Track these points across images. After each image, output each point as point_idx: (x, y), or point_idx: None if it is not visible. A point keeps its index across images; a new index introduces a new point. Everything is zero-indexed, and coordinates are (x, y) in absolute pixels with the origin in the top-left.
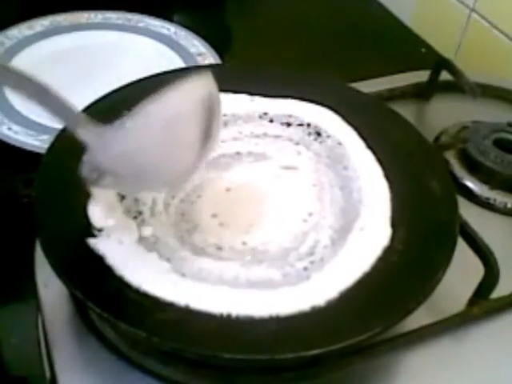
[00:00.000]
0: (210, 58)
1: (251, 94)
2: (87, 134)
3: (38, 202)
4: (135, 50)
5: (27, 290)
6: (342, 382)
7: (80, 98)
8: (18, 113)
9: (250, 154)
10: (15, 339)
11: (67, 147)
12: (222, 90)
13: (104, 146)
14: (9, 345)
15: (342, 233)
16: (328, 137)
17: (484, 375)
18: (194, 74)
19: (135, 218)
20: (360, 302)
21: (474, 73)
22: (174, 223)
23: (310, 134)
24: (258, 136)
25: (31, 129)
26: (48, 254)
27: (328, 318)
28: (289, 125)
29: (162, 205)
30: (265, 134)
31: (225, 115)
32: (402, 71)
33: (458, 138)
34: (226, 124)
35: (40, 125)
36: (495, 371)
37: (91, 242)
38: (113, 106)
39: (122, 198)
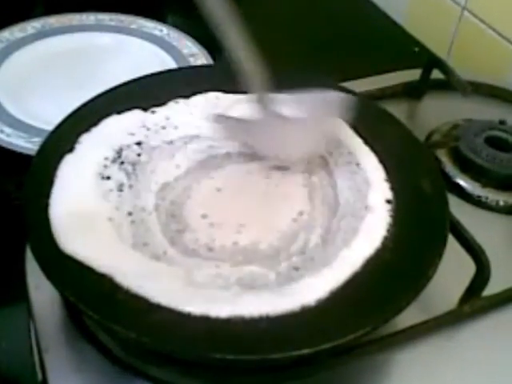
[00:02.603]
0: (202, 59)
1: (243, 93)
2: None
3: (28, 204)
4: (128, 51)
5: (18, 293)
6: (333, 381)
7: (72, 99)
8: (10, 115)
9: (240, 154)
10: (6, 342)
11: (57, 149)
12: (213, 90)
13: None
14: (0, 348)
15: (332, 232)
16: None
17: (476, 373)
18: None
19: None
20: (350, 301)
21: (465, 71)
22: (165, 224)
23: None
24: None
25: (23, 131)
26: (38, 257)
27: (318, 318)
28: None
29: (152, 206)
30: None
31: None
32: (395, 70)
33: (450, 136)
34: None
35: (32, 127)
36: (487, 369)
37: None
38: (105, 107)
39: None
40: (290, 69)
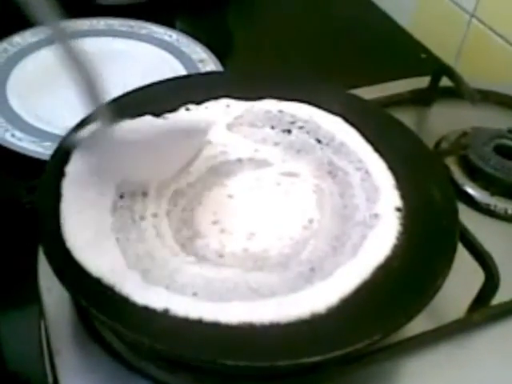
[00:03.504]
0: (211, 64)
1: (251, 99)
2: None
3: (40, 208)
4: (137, 56)
5: (30, 295)
6: None
7: (84, 105)
8: (22, 119)
9: (251, 160)
10: (18, 344)
11: (70, 153)
12: (224, 96)
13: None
14: (11, 349)
15: (342, 240)
16: (329, 143)
17: (485, 381)
18: None
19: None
20: (360, 309)
21: (474, 79)
22: (176, 230)
23: (311, 140)
24: (259, 142)
25: (34, 135)
26: (51, 261)
27: (328, 325)
28: (290, 131)
29: (164, 212)
30: (266, 140)
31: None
32: (402, 77)
33: (459, 144)
34: (228, 130)
35: (43, 131)
36: (496, 378)
37: None
38: (116, 113)
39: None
40: (297, 76)
